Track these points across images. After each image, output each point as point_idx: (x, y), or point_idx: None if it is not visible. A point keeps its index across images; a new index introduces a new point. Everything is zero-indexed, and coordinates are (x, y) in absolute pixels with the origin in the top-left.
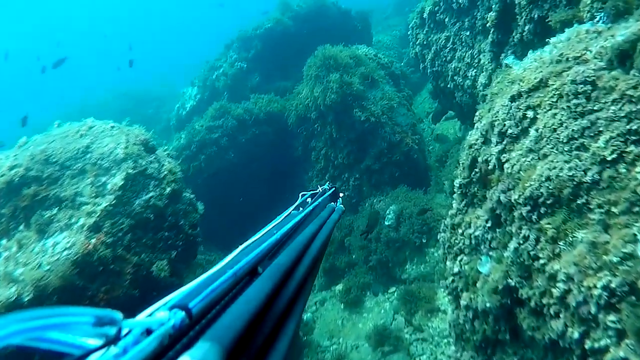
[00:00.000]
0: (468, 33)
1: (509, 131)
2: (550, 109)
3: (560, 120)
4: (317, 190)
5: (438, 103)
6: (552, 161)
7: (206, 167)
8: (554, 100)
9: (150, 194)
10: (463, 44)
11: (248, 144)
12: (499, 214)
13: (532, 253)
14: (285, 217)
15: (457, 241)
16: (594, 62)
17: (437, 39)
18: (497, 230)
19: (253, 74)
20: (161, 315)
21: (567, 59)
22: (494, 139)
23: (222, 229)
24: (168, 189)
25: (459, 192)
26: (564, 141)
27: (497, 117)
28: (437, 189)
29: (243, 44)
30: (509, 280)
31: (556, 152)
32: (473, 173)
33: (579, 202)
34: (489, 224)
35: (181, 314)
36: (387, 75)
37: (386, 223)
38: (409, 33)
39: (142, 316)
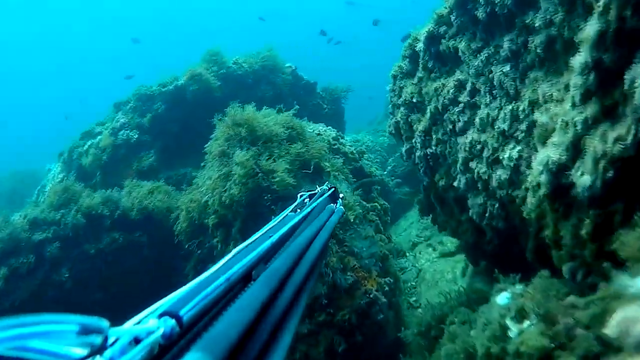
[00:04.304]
0: (508, 67)
1: None
2: None
3: None
4: (316, 191)
5: (430, 220)
6: None
7: (8, 290)
8: None
9: None
10: (495, 91)
11: (100, 261)
12: None
13: None
14: (282, 219)
15: None
16: None
17: (438, 88)
18: None
19: (147, 150)
20: (150, 323)
21: None
22: None
23: None
24: None
25: None
26: None
27: None
28: None
29: (141, 105)
30: None
31: None
32: None
33: None
34: None
35: (171, 322)
36: (351, 171)
37: None
38: (388, 88)
39: (130, 324)
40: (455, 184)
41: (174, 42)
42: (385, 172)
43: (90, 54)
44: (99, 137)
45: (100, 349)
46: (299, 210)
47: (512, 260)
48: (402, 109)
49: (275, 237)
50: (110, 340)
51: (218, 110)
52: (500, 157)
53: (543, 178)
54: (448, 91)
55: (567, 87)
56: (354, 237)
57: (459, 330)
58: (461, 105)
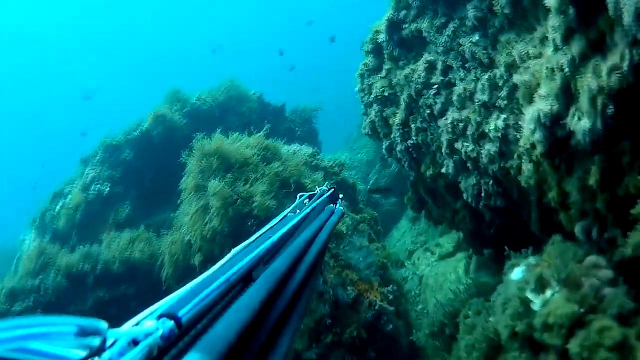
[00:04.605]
0: (478, 37)
1: None
2: None
3: None
4: (316, 192)
5: (424, 216)
6: None
7: None
8: None
9: None
10: (468, 65)
11: None
12: None
13: None
14: (282, 219)
15: None
16: None
17: (408, 75)
18: None
19: (122, 201)
20: (149, 324)
21: None
22: None
23: None
24: None
25: None
26: None
27: None
28: None
29: (109, 156)
30: None
31: None
32: None
33: None
34: None
35: (170, 323)
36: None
37: None
38: (356, 89)
39: (128, 326)
40: (443, 170)
41: (129, 91)
42: (368, 186)
43: (43, 115)
44: (69, 196)
45: (98, 351)
46: (298, 211)
47: (517, 240)
48: (375, 106)
49: (275, 238)
50: (109, 342)
51: (187, 148)
52: (486, 131)
53: (537, 136)
54: (419, 75)
55: (543, 41)
56: (348, 249)
57: (476, 320)
58: (435, 87)
